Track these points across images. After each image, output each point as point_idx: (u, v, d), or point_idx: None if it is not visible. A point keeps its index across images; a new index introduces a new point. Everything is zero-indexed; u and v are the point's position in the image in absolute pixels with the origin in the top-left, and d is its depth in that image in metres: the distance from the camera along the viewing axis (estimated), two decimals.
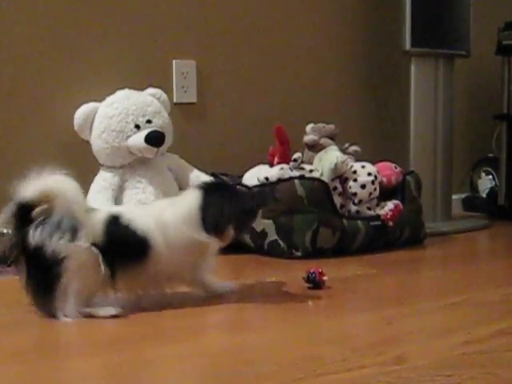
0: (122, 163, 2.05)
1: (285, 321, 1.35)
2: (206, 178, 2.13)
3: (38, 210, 1.30)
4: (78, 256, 1.29)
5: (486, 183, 2.94)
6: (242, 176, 2.14)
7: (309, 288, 1.57)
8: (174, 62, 2.30)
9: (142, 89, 2.13)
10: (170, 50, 2.29)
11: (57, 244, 1.27)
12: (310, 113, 2.48)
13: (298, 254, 1.96)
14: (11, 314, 1.42)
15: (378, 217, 2.07)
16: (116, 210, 1.44)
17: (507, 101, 2.76)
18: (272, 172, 2.02)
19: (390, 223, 2.07)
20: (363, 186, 2.07)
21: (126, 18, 2.22)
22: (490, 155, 2.94)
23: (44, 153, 2.11)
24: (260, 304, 1.48)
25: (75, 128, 2.06)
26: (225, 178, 2.19)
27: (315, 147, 2.17)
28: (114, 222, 1.35)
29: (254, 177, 2.06)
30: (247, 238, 2.01)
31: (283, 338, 1.25)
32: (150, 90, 2.14)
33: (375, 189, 2.09)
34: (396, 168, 2.22)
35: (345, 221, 2.02)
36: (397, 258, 2.02)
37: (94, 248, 1.30)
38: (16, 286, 1.42)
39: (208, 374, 1.07)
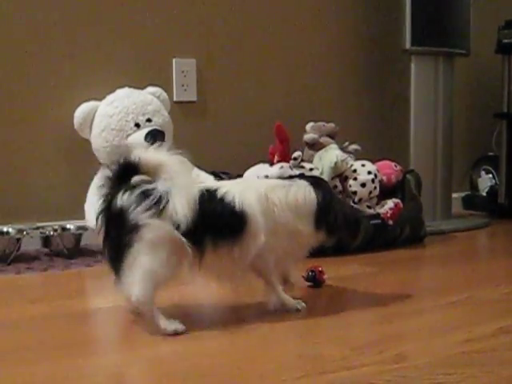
0: None
1: (285, 319, 1.35)
2: (206, 177, 2.13)
3: (138, 177, 1.26)
4: (157, 230, 1.21)
5: (485, 182, 2.94)
6: (242, 175, 2.13)
7: (309, 287, 1.58)
8: (174, 60, 2.30)
9: (141, 87, 2.13)
10: (170, 49, 2.29)
11: (139, 212, 1.20)
12: (310, 111, 2.48)
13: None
14: (12, 312, 1.42)
15: (378, 215, 2.07)
16: (216, 184, 1.36)
17: (507, 99, 2.76)
18: (272, 171, 2.02)
19: (390, 222, 2.06)
20: (363, 185, 2.07)
21: (126, 17, 2.22)
22: (490, 154, 2.94)
23: (44, 151, 2.11)
24: (259, 303, 1.47)
25: (75, 126, 2.06)
26: (225, 176, 2.18)
27: (315, 146, 2.17)
28: (209, 196, 1.28)
29: (253, 175, 2.06)
30: None
31: (283, 337, 1.25)
32: (150, 89, 2.14)
33: (375, 187, 2.09)
34: (396, 166, 2.22)
35: None
36: (397, 256, 2.02)
37: (176, 232, 1.21)
38: (16, 285, 1.43)
39: (209, 372, 1.07)
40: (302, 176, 1.46)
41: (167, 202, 1.21)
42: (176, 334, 1.21)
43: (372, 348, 1.14)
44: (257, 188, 1.34)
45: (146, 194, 1.22)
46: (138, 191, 1.22)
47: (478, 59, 2.79)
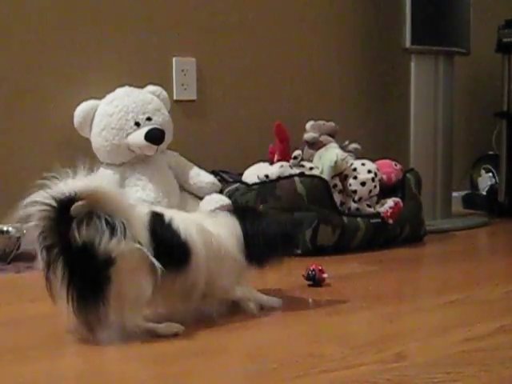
0: (122, 161, 2.05)
1: (285, 318, 1.35)
2: (207, 176, 2.13)
3: (74, 206, 1.15)
4: (131, 256, 1.16)
5: (485, 181, 2.94)
6: (242, 174, 2.14)
7: (309, 285, 1.58)
8: (173, 59, 2.30)
9: (141, 86, 2.13)
10: (170, 48, 2.29)
11: (108, 242, 1.13)
12: (310, 110, 2.48)
13: (298, 251, 1.96)
14: (12, 311, 1.42)
15: (378, 214, 2.07)
16: (156, 208, 1.31)
17: (507, 98, 2.76)
18: (272, 169, 2.02)
19: (390, 221, 2.07)
20: (363, 184, 2.07)
21: (126, 16, 2.22)
22: (490, 153, 2.94)
23: (44, 150, 2.11)
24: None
25: (75, 125, 2.06)
26: (225, 175, 2.19)
27: (315, 145, 2.17)
28: (157, 220, 1.24)
29: (253, 174, 2.06)
30: None
31: (283, 336, 1.25)
32: (150, 88, 2.14)
33: (375, 186, 2.09)
34: (396, 165, 2.22)
35: (345, 218, 2.02)
36: (397, 255, 2.02)
37: (144, 248, 1.17)
38: (16, 284, 1.43)
39: (208, 372, 1.07)
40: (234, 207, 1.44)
41: (125, 225, 1.15)
42: (176, 335, 1.20)
43: (372, 347, 1.15)
44: (191, 219, 1.32)
45: (102, 222, 1.14)
46: (93, 221, 1.13)
47: (478, 58, 2.79)
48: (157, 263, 1.17)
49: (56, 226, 1.15)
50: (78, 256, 1.13)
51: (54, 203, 1.15)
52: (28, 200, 1.19)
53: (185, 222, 1.28)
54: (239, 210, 1.43)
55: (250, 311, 1.35)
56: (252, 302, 1.36)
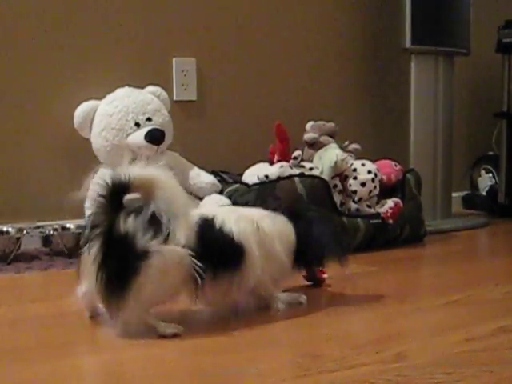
0: (122, 161, 2.05)
1: (285, 319, 1.35)
2: (207, 176, 2.13)
3: (128, 199, 1.18)
4: (168, 257, 1.17)
5: (485, 181, 2.94)
6: (242, 174, 2.14)
7: (309, 286, 1.58)
8: (174, 59, 2.30)
9: (141, 87, 2.13)
10: (170, 48, 2.29)
11: (148, 240, 1.15)
12: (310, 111, 2.48)
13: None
14: (12, 312, 1.42)
15: (378, 215, 2.07)
16: (210, 211, 1.34)
17: (507, 99, 2.76)
18: (272, 170, 2.02)
19: (390, 221, 2.07)
20: (363, 184, 2.07)
21: (126, 16, 2.22)
22: (490, 153, 2.94)
23: (44, 151, 2.11)
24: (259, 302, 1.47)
25: (75, 126, 2.06)
26: (225, 175, 2.19)
27: (315, 145, 2.17)
28: (208, 224, 1.25)
29: (253, 175, 2.06)
30: None
31: (283, 336, 1.25)
32: (150, 88, 2.14)
33: (375, 187, 2.09)
34: (396, 166, 2.22)
35: (345, 218, 2.02)
36: (397, 255, 2.02)
37: (188, 252, 1.18)
38: (16, 284, 1.43)
39: (208, 372, 1.07)
40: (284, 209, 1.44)
41: (171, 227, 1.16)
42: (175, 335, 1.20)
43: (372, 347, 1.14)
44: (249, 217, 1.34)
45: (150, 219, 1.16)
46: (142, 215, 1.16)
47: (478, 59, 2.79)
48: (198, 270, 1.18)
49: (106, 207, 1.17)
50: (116, 243, 1.15)
51: (109, 185, 1.18)
52: (88, 181, 1.24)
53: (239, 222, 1.29)
54: (295, 213, 1.43)
55: (276, 309, 1.37)
56: (280, 301, 1.39)
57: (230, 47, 2.41)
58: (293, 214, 1.42)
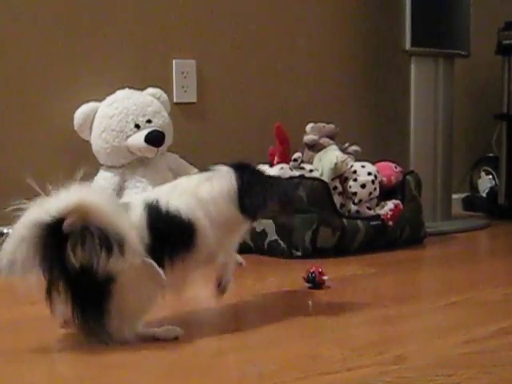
0: (122, 163, 2.05)
1: (285, 320, 1.35)
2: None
3: (65, 225, 1.12)
4: (132, 270, 1.14)
5: (485, 183, 2.94)
6: None
7: (309, 288, 1.58)
8: (174, 61, 2.30)
9: (142, 88, 2.13)
10: (170, 50, 2.29)
11: (106, 261, 1.11)
12: (310, 112, 2.48)
13: (298, 253, 1.96)
14: (12, 314, 1.42)
15: (377, 216, 2.07)
16: (151, 195, 1.29)
17: (507, 100, 2.76)
18: (272, 172, 2.02)
19: (390, 223, 2.07)
20: (363, 186, 2.07)
21: (126, 18, 2.22)
22: (490, 155, 2.94)
23: (44, 152, 2.11)
24: (260, 304, 1.48)
25: (75, 128, 2.06)
26: None
27: (315, 147, 2.17)
28: (155, 211, 1.22)
29: None
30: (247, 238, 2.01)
31: (283, 338, 1.25)
32: (150, 90, 2.14)
33: (375, 188, 2.09)
34: (396, 168, 2.22)
35: (345, 220, 2.02)
36: (397, 257, 2.02)
37: (147, 258, 1.17)
38: (16, 286, 1.41)
39: (209, 373, 1.07)
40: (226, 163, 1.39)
41: (121, 239, 1.12)
42: (176, 338, 1.20)
43: (372, 349, 1.14)
44: (187, 190, 1.30)
45: (97, 240, 1.10)
46: (87, 241, 1.10)
47: (478, 60, 2.79)
48: (161, 273, 1.17)
49: (51, 248, 1.12)
50: (78, 277, 1.12)
51: (43, 226, 1.12)
52: (18, 225, 1.18)
53: (181, 199, 1.26)
54: (239, 165, 1.39)
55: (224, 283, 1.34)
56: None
57: (230, 49, 2.41)
58: (237, 166, 1.37)
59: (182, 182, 1.36)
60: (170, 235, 1.22)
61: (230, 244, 1.35)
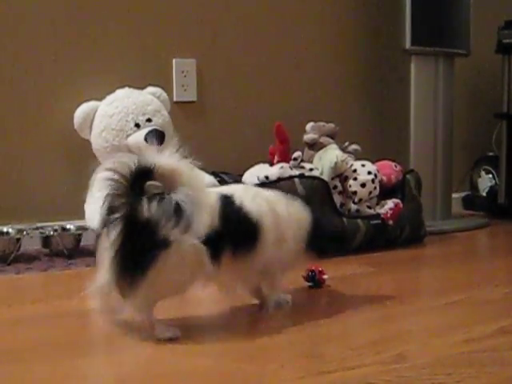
0: None
1: (284, 319, 1.35)
2: (207, 177, 2.13)
3: (149, 184, 1.15)
4: (187, 249, 1.15)
5: (485, 182, 2.94)
6: (242, 175, 2.14)
7: (309, 287, 1.58)
8: (174, 60, 2.30)
9: (142, 87, 2.13)
10: (170, 49, 2.29)
11: (170, 229, 1.12)
12: (310, 111, 2.48)
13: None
14: (12, 312, 1.42)
15: (377, 215, 2.07)
16: (227, 189, 1.32)
17: (507, 99, 2.76)
18: (272, 171, 2.02)
19: (390, 222, 2.07)
20: (363, 185, 2.07)
21: (126, 17, 2.22)
22: (490, 154, 2.94)
23: (44, 152, 2.11)
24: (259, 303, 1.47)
25: (75, 127, 2.06)
26: (225, 176, 2.19)
27: (315, 146, 2.17)
28: (228, 202, 1.25)
29: (254, 176, 2.06)
30: None
31: (283, 337, 1.25)
32: (150, 89, 2.14)
33: (375, 187, 2.09)
34: (396, 167, 2.22)
35: (345, 219, 2.02)
36: (397, 256, 2.02)
37: (202, 245, 1.16)
38: (16, 285, 1.42)
39: (209, 372, 1.07)
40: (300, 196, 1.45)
41: (193, 215, 1.14)
42: (171, 339, 1.19)
43: (372, 348, 1.14)
44: (264, 197, 1.33)
45: (173, 206, 1.13)
46: (165, 203, 1.13)
47: (478, 59, 2.79)
48: (208, 262, 1.18)
49: (127, 190, 1.14)
50: (138, 228, 1.12)
51: (133, 168, 1.14)
52: (108, 163, 1.18)
53: (256, 200, 1.29)
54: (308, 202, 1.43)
55: (268, 308, 1.37)
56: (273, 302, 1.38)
57: (230, 48, 2.41)
58: (307, 202, 1.42)
59: (255, 188, 1.40)
60: (237, 229, 1.24)
61: (282, 268, 1.37)
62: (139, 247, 1.13)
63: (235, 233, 1.23)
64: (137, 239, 1.13)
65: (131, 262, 1.13)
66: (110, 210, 1.16)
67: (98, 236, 1.20)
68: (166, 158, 1.17)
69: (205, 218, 1.17)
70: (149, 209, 1.12)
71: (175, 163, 1.17)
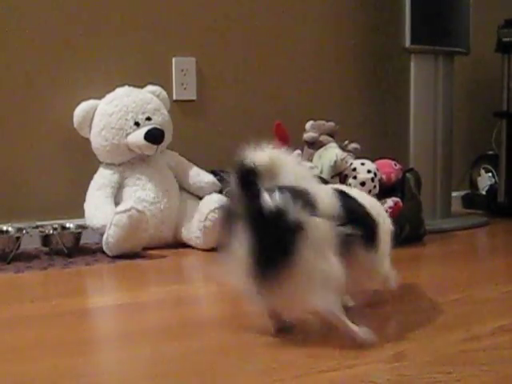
0: (122, 160, 2.05)
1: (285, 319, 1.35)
2: (206, 176, 2.14)
3: (262, 177, 1.12)
4: (321, 228, 1.10)
5: (485, 180, 2.94)
6: None
7: None
8: (173, 59, 2.30)
9: (141, 86, 2.13)
10: (170, 47, 2.29)
11: (300, 210, 1.08)
12: (310, 110, 2.48)
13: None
14: (11, 311, 1.42)
15: None
16: (330, 186, 1.29)
17: (507, 98, 2.76)
18: None
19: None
20: (363, 184, 2.07)
21: (126, 16, 2.22)
22: (490, 152, 2.94)
23: (44, 150, 2.11)
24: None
25: (75, 125, 2.06)
26: (224, 175, 2.19)
27: (315, 144, 2.17)
28: (344, 195, 1.22)
29: None
30: None
31: (282, 336, 1.25)
32: (150, 88, 2.14)
33: (375, 186, 2.09)
34: (396, 165, 2.21)
35: None
36: (396, 255, 2.00)
37: (335, 223, 1.12)
38: (16, 284, 1.42)
39: (208, 371, 1.07)
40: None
41: (316, 200, 1.11)
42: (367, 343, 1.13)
43: (371, 346, 1.14)
44: (365, 196, 1.34)
45: (295, 194, 1.10)
46: (284, 190, 1.10)
47: (478, 58, 2.79)
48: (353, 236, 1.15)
49: (245, 188, 1.12)
50: (268, 219, 1.08)
51: (244, 171, 1.13)
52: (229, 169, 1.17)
53: (363, 196, 1.29)
54: None
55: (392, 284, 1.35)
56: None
57: (230, 47, 2.41)
58: None
59: (360, 192, 1.38)
60: (359, 221, 1.19)
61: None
62: (275, 238, 1.09)
63: (359, 223, 1.18)
64: (271, 231, 1.09)
65: (273, 257, 1.09)
66: (233, 212, 1.14)
67: (223, 242, 1.15)
68: (265, 153, 1.15)
69: (327, 200, 1.15)
70: (272, 199, 1.09)
71: (280, 155, 1.15)
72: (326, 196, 1.16)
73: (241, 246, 1.10)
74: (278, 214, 1.08)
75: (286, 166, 1.15)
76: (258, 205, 1.09)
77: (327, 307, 1.12)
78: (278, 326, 1.21)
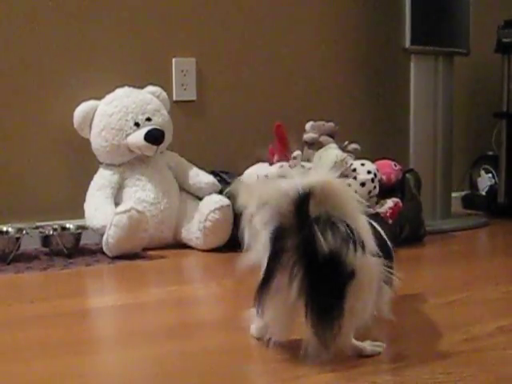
0: (122, 161, 2.05)
1: None
2: (206, 176, 2.14)
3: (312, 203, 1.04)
4: (368, 270, 1.07)
5: (485, 181, 2.94)
6: (242, 174, 2.14)
7: None
8: (173, 59, 2.30)
9: (141, 87, 2.13)
10: (170, 48, 2.29)
11: (353, 253, 1.03)
12: (310, 111, 2.48)
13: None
14: (11, 312, 1.42)
15: (377, 215, 2.07)
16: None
17: (507, 99, 2.76)
18: (271, 170, 2.02)
19: (390, 221, 2.06)
20: (363, 184, 2.06)
21: (126, 16, 2.22)
22: (490, 153, 2.94)
23: (44, 151, 2.11)
24: None
25: (75, 126, 2.06)
26: (225, 175, 2.19)
27: (315, 145, 2.17)
28: (374, 228, 1.19)
29: (253, 175, 2.06)
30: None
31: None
32: (150, 88, 2.14)
33: (375, 187, 2.09)
34: (395, 166, 2.21)
35: None
36: (396, 255, 2.01)
37: (379, 260, 1.09)
38: (16, 284, 1.42)
39: (208, 372, 1.07)
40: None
41: (362, 233, 1.07)
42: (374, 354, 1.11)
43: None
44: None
45: (345, 231, 1.03)
46: (337, 228, 1.03)
47: (478, 58, 2.79)
48: (394, 277, 1.16)
49: (295, 226, 1.04)
50: (323, 264, 1.02)
51: (291, 200, 1.03)
52: (264, 194, 1.07)
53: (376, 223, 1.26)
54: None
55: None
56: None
57: (230, 47, 2.41)
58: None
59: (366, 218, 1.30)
60: (385, 251, 1.16)
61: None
62: (329, 285, 1.04)
63: (384, 254, 1.15)
64: (324, 277, 1.04)
65: (328, 306, 1.04)
66: (281, 248, 1.05)
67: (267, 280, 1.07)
68: (317, 177, 1.07)
69: (369, 235, 1.11)
70: (326, 240, 1.02)
71: (332, 184, 1.07)
72: (368, 232, 1.12)
73: (290, 284, 1.03)
74: (333, 258, 1.02)
75: (341, 195, 1.08)
76: (313, 247, 1.01)
77: (344, 343, 1.09)
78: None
